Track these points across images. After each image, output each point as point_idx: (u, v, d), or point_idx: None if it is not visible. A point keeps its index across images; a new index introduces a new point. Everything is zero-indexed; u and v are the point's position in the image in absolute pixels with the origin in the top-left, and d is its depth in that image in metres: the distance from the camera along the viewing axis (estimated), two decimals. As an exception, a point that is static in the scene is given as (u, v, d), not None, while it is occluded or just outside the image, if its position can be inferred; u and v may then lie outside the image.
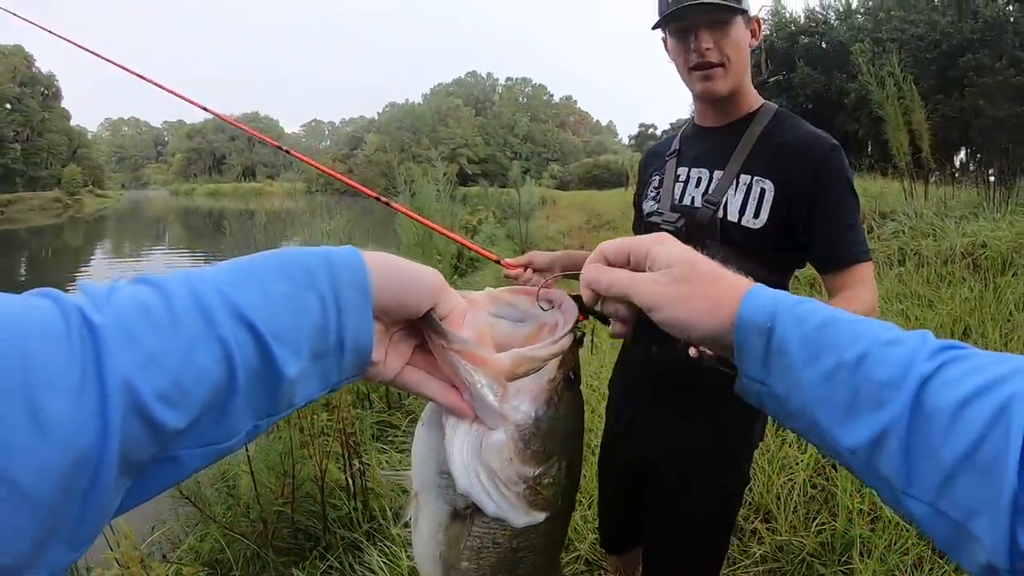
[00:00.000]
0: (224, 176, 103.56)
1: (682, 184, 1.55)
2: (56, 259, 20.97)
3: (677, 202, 1.54)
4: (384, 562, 2.48)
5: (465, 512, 0.64)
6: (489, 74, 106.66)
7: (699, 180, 1.52)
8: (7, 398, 0.35)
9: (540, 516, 0.64)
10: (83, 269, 17.03)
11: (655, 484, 1.65)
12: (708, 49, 1.42)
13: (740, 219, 1.42)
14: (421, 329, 0.60)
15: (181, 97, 1.97)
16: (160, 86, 1.92)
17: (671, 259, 0.60)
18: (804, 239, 1.41)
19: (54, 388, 0.37)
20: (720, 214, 1.44)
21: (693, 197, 1.51)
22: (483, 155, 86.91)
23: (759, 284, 0.57)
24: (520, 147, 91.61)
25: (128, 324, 0.41)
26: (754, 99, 1.54)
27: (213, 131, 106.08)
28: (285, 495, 2.95)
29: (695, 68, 1.46)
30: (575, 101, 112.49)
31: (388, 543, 2.61)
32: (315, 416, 3.21)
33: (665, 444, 1.60)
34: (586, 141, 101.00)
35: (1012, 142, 8.14)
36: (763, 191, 1.41)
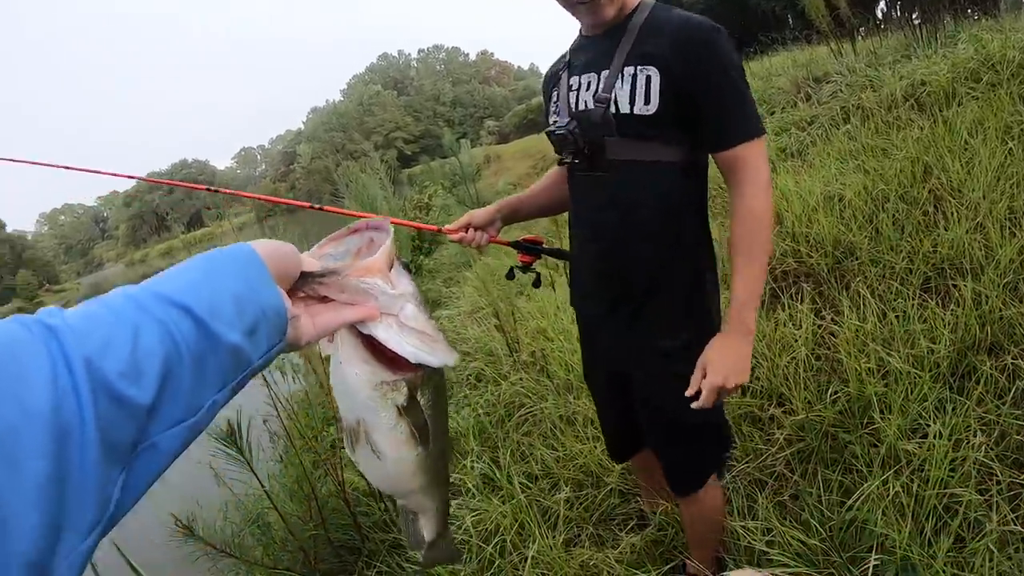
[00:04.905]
0: (172, 232, 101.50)
1: (575, 92, 1.59)
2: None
3: (574, 109, 1.59)
4: (427, 553, 2.46)
5: (404, 401, 0.78)
6: (400, 51, 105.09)
7: (589, 84, 1.56)
8: None
9: (455, 354, 0.80)
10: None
11: (635, 389, 1.71)
12: None
13: (632, 108, 1.46)
14: (301, 295, 0.73)
15: (109, 174, 2.05)
16: (83, 169, 1.96)
17: None
18: (692, 119, 1.47)
19: (30, 381, 0.43)
20: (613, 109, 1.48)
21: (586, 101, 1.56)
22: (417, 133, 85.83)
23: None
24: (451, 114, 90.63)
25: (79, 325, 0.49)
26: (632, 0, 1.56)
27: (148, 191, 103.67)
28: (313, 516, 2.92)
29: (580, 2, 1.50)
30: (492, 53, 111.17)
31: (426, 534, 2.59)
32: (324, 432, 3.17)
33: (627, 350, 1.68)
34: (513, 90, 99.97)
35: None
36: (649, 78, 1.45)
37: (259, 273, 0.63)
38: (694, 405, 1.49)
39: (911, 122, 4.68)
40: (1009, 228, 3.01)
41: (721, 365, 1.46)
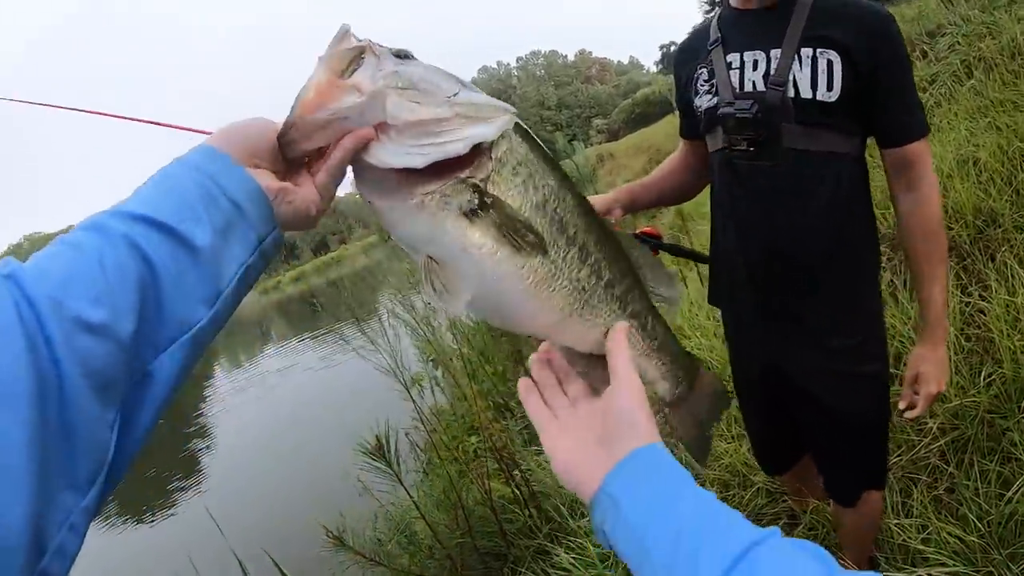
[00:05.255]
0: (302, 258, 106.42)
1: (737, 71, 1.47)
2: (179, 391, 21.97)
3: (738, 90, 1.47)
4: (573, 557, 2.53)
5: (472, 204, 0.63)
6: (499, 62, 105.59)
7: (756, 63, 1.44)
8: None
9: (502, 115, 0.65)
10: (207, 390, 17.46)
11: (794, 388, 1.62)
12: None
13: (815, 94, 1.37)
14: (298, 164, 0.65)
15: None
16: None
17: None
18: (867, 111, 1.40)
19: None
20: (791, 93, 1.38)
21: (753, 81, 1.44)
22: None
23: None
24: (557, 117, 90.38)
25: (36, 268, 0.46)
26: None
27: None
28: (460, 525, 3.06)
29: None
30: (590, 52, 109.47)
31: (572, 538, 2.67)
32: (464, 443, 3.31)
33: (787, 347, 1.59)
34: (616, 85, 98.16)
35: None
36: (830, 62, 1.35)
37: (219, 165, 0.58)
38: (909, 415, 1.52)
39: (1039, 69, 4.30)
40: None
41: (933, 375, 1.48)
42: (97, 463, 0.44)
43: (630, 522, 0.59)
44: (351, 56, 0.61)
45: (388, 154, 0.60)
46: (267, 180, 0.61)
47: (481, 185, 0.63)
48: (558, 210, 0.68)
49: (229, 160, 0.58)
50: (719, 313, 1.88)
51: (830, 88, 1.35)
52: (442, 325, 4.38)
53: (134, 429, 0.48)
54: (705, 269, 2.08)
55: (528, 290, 0.67)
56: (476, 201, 0.62)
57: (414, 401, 3.30)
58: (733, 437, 2.69)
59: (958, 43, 5.57)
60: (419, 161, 0.60)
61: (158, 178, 0.56)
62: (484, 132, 0.62)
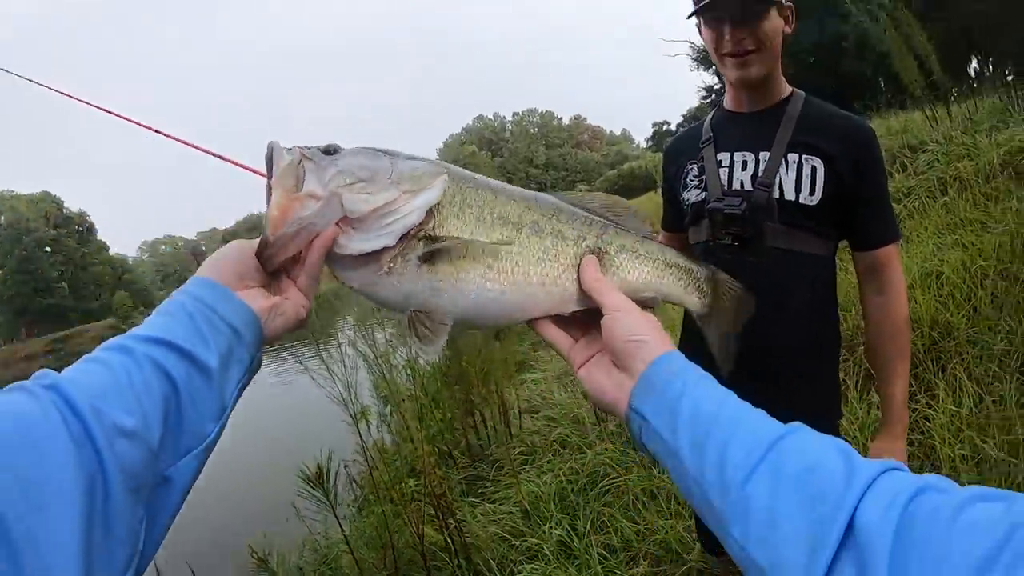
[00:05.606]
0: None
1: (726, 169, 1.55)
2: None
3: (726, 187, 1.54)
4: (495, 614, 2.48)
5: (428, 249, 0.72)
6: (495, 114, 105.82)
7: (745, 163, 1.52)
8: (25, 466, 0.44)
9: (437, 178, 0.74)
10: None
11: None
12: (742, 38, 1.44)
13: (798, 197, 1.45)
14: (278, 272, 0.74)
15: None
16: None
17: None
18: (844, 217, 1.49)
19: (46, 441, 0.46)
20: (776, 195, 1.46)
21: (742, 181, 1.52)
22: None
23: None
24: (543, 176, 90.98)
25: (73, 381, 0.52)
26: (785, 85, 1.56)
27: (246, 232, 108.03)
28: (388, 565, 2.98)
29: (729, 55, 1.48)
30: (584, 118, 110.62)
31: (496, 594, 2.61)
32: (403, 484, 3.25)
33: None
34: (605, 154, 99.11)
35: (1021, 39, 7.87)
36: (814, 168, 1.44)
37: (215, 294, 0.65)
38: None
39: (1010, 193, 4.52)
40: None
41: None
42: (130, 555, 0.49)
43: (659, 433, 0.63)
44: (295, 171, 0.71)
45: (359, 242, 0.71)
46: (259, 301, 0.69)
47: (431, 233, 0.73)
48: (495, 211, 0.77)
49: (223, 288, 0.66)
50: None
51: (812, 192, 1.44)
52: (399, 364, 4.38)
53: (155, 529, 0.53)
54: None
55: (507, 284, 0.76)
56: (426, 247, 0.72)
57: (360, 434, 3.24)
58: (671, 514, 2.68)
59: (937, 160, 5.82)
60: (390, 240, 0.71)
61: (166, 308, 0.64)
62: (431, 197, 0.73)
